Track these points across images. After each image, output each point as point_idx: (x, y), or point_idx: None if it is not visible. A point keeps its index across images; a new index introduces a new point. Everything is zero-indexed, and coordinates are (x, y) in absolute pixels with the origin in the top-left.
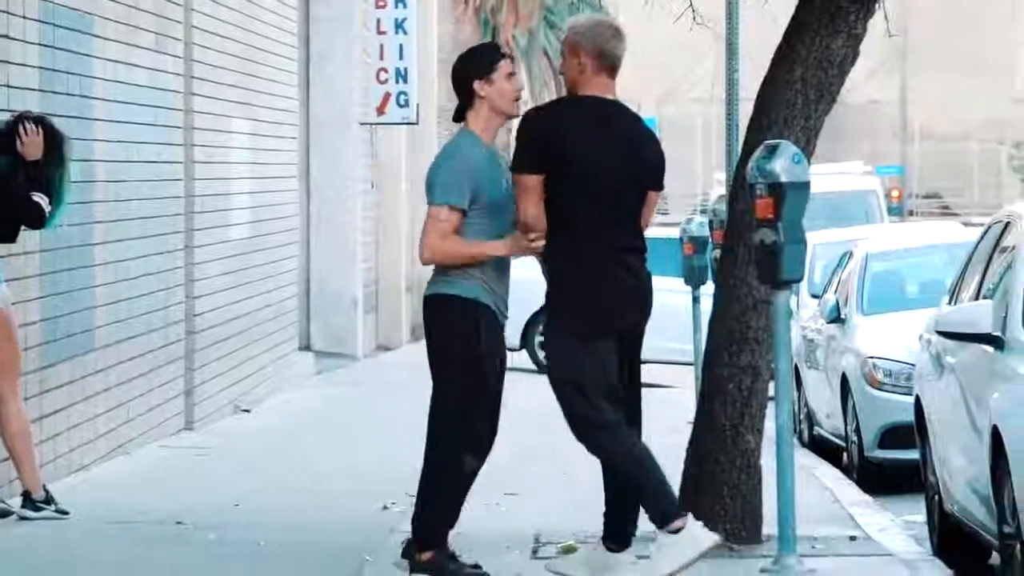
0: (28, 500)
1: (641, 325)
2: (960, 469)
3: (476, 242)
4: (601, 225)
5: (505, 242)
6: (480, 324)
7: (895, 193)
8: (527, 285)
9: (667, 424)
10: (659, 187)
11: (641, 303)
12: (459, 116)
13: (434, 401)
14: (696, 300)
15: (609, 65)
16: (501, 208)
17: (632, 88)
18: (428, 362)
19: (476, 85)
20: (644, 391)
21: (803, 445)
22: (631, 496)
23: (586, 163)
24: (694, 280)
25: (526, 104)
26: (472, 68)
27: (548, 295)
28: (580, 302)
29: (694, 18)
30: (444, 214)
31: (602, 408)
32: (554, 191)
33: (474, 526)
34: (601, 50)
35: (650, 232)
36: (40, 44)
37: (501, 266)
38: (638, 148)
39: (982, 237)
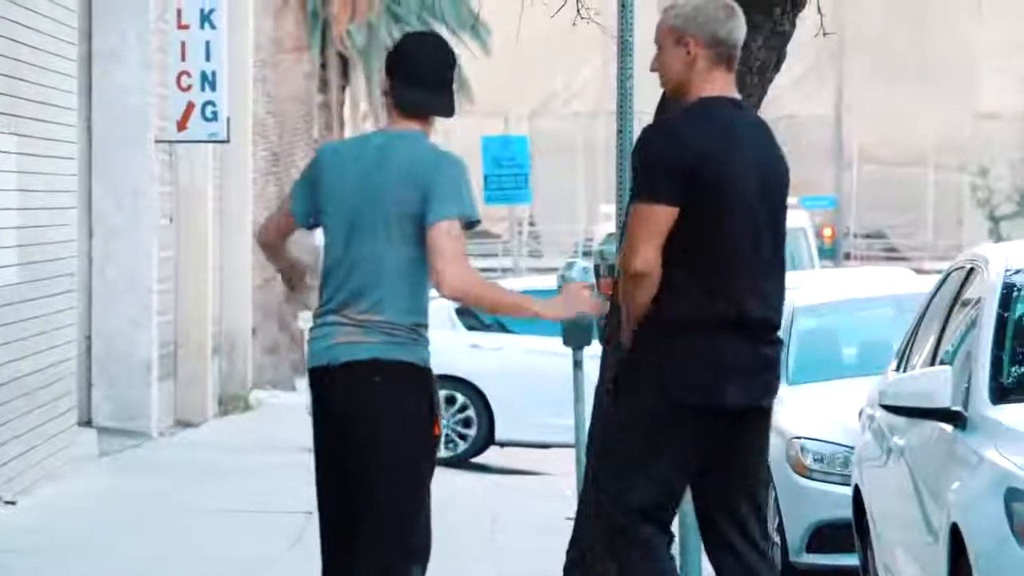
0: None
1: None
2: None
3: (517, 294)
4: (735, 277)
5: (559, 303)
6: (435, 398)
7: (827, 231)
8: None
9: (541, 521)
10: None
11: (759, 380)
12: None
13: (387, 508)
14: (578, 365)
15: (727, 55)
16: None
17: (499, 97)
18: (361, 448)
19: None
20: (511, 480)
21: None
22: None
23: (731, 193)
24: (575, 340)
25: (364, 121)
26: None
27: (626, 362)
28: (671, 362)
29: (578, 10)
30: (456, 230)
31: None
32: (678, 231)
33: None
34: (715, 36)
35: (522, 282)
36: None
37: None
38: (777, 168)
39: (939, 287)
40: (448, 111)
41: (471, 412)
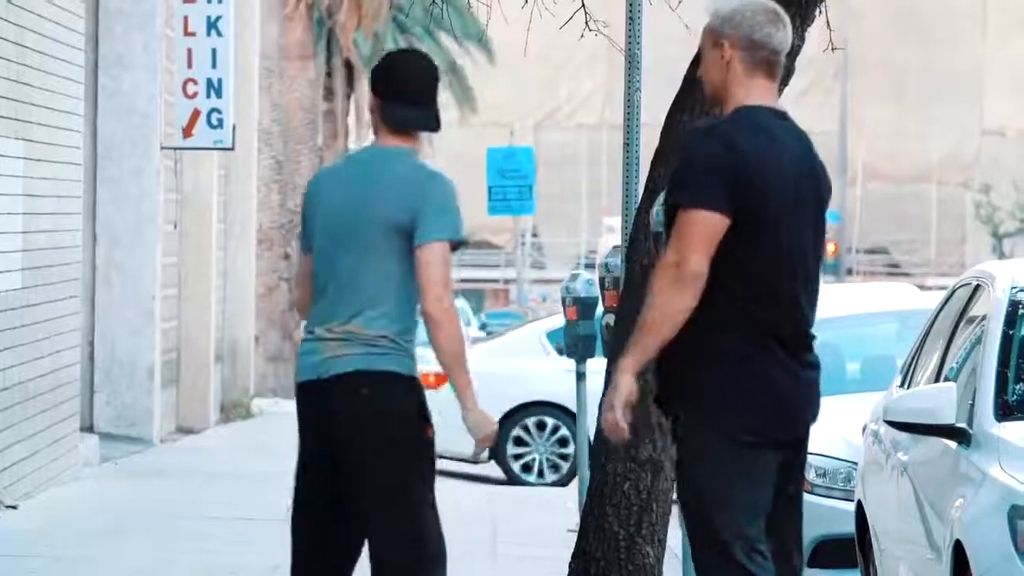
0: None
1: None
2: None
3: (469, 378)
4: (785, 297)
5: (480, 419)
6: (423, 404)
7: (830, 247)
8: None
9: (545, 533)
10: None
11: (812, 407)
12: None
13: (388, 513)
14: (581, 377)
15: (765, 60)
16: None
17: (503, 109)
18: (354, 457)
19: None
20: (512, 491)
21: None
22: None
23: (777, 207)
24: (579, 352)
25: (368, 130)
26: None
27: (687, 384)
28: (738, 399)
29: (587, 23)
30: (447, 252)
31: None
32: (725, 248)
33: None
34: (750, 38)
35: (548, 322)
36: None
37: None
38: (819, 181)
39: (944, 304)
40: (435, 126)
41: (568, 437)
